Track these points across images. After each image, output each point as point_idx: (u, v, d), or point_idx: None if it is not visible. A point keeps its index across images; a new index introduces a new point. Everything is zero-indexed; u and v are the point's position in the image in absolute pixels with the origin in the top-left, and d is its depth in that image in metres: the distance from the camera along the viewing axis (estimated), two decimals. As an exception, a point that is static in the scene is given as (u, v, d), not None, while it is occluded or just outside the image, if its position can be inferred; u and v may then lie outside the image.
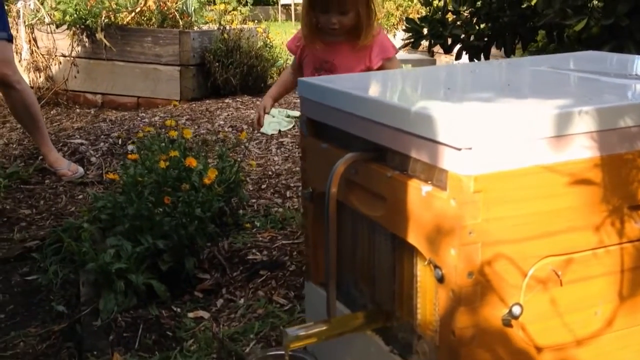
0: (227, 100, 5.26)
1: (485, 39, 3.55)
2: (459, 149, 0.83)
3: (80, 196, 3.52)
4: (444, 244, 0.88)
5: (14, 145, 4.24)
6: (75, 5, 5.19)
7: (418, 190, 0.92)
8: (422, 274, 0.99)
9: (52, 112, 5.13)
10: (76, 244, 2.73)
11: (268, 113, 2.49)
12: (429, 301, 0.98)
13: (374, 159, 1.04)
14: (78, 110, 5.29)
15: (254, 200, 3.35)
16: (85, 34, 5.27)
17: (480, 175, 0.85)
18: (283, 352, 1.07)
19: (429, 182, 0.92)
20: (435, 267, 0.91)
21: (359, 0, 2.03)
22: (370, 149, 1.05)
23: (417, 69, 1.67)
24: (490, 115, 0.86)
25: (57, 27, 5.31)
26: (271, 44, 5.76)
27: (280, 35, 6.67)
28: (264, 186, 3.56)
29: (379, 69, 2.12)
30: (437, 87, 1.14)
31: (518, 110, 0.89)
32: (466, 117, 0.84)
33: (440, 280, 0.91)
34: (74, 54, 5.32)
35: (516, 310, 0.89)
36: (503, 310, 0.90)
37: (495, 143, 0.85)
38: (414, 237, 0.95)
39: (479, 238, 0.86)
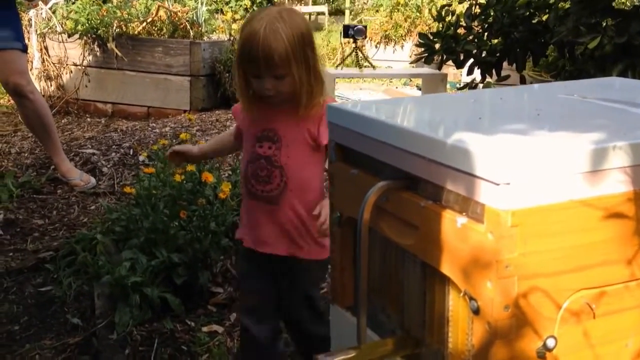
0: (237, 111, 5.29)
1: (497, 54, 3.57)
2: (497, 184, 0.85)
3: (93, 207, 3.55)
4: (480, 276, 0.89)
5: (26, 154, 4.27)
6: (87, 15, 5.22)
7: (453, 222, 0.93)
8: (454, 303, 1.00)
9: (63, 121, 5.16)
10: (91, 257, 2.75)
11: (188, 157, 2.14)
12: (461, 330, 0.99)
13: (406, 187, 1.05)
14: (89, 119, 5.32)
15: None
16: (96, 43, 5.32)
17: (518, 210, 0.86)
18: (313, 378, 1.07)
19: (464, 214, 0.93)
20: (471, 299, 0.92)
21: (294, 63, 1.70)
22: (401, 177, 1.06)
23: (444, 95, 1.65)
24: (528, 151, 0.87)
25: (69, 36, 5.35)
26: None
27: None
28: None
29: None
30: (468, 116, 1.16)
31: (555, 146, 0.91)
32: (505, 153, 0.86)
33: (476, 312, 0.92)
34: (85, 63, 5.36)
35: (550, 342, 0.90)
36: (538, 343, 0.91)
37: (533, 178, 0.86)
38: (447, 268, 0.96)
39: (515, 271, 0.87)
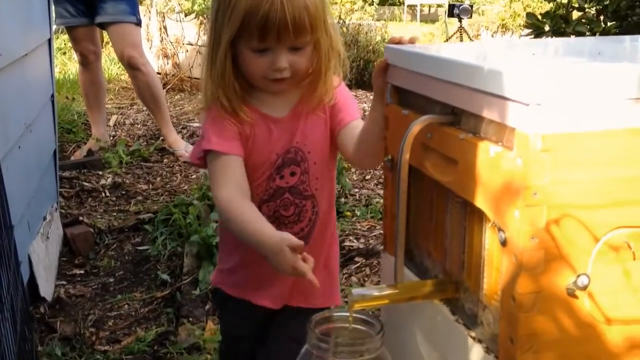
0: (342, 94, 5.32)
1: (611, 37, 3.38)
2: (527, 104, 0.80)
3: (194, 176, 3.68)
4: (508, 205, 0.85)
5: (139, 126, 4.50)
6: (203, -5, 5.42)
7: (487, 152, 0.90)
8: (490, 241, 0.96)
9: (175, 97, 5.39)
10: (184, 217, 2.87)
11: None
12: (495, 270, 0.95)
13: (450, 123, 1.02)
14: (200, 96, 5.52)
15: (356, 190, 3.37)
16: (211, 24, 5.48)
17: (550, 134, 0.81)
18: (347, 313, 1.06)
19: (499, 143, 0.89)
20: (499, 230, 0.88)
21: (319, 21, 1.20)
22: (447, 113, 1.03)
23: (513, 40, 1.59)
24: (565, 72, 0.82)
25: (186, 15, 5.56)
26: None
27: (400, 30, 6.64)
28: (368, 177, 3.58)
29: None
30: (524, 52, 1.11)
31: (599, 69, 0.85)
32: (537, 71, 0.81)
33: (504, 243, 0.88)
34: (199, 42, 5.55)
35: (583, 280, 0.85)
36: (569, 279, 0.85)
37: (569, 101, 0.81)
38: (481, 201, 0.92)
39: (544, 200, 0.82)
